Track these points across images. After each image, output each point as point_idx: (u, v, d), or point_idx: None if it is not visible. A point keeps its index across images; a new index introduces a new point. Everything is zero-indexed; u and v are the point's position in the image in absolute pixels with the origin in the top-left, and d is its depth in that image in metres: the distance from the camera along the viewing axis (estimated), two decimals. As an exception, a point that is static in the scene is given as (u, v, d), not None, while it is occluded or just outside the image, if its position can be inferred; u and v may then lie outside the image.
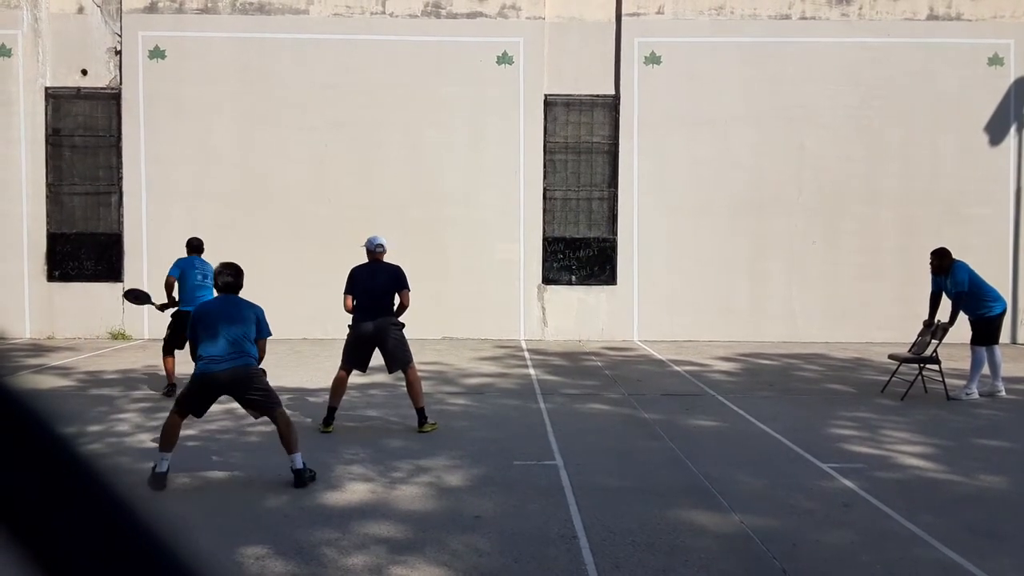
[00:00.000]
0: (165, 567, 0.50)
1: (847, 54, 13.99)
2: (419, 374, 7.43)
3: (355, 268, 7.37)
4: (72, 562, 0.49)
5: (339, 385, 7.26)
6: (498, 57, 13.94)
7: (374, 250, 7.38)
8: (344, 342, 7.37)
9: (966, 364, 9.58)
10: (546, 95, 14.07)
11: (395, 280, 7.24)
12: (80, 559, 0.49)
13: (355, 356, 7.26)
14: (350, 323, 7.35)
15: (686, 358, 11.92)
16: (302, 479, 5.50)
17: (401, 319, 7.39)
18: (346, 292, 7.30)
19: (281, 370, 10.61)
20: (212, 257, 13.43)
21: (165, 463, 5.47)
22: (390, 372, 7.46)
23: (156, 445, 5.89)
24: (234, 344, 5.58)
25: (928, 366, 9.02)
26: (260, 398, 5.67)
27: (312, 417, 7.65)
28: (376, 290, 7.21)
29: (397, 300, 7.24)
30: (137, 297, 9.11)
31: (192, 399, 5.65)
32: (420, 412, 7.22)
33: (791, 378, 10.35)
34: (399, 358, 7.19)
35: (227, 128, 13.90)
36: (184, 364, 7.58)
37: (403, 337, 7.26)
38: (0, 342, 8.05)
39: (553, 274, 14.22)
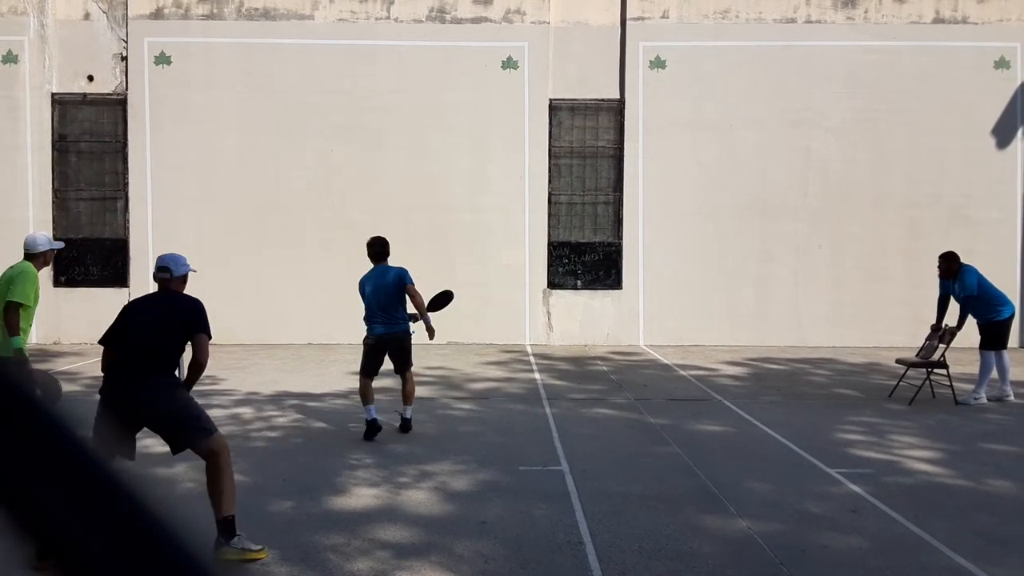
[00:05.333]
0: (187, 569, 0.50)
1: (853, 57, 13.95)
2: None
3: (129, 303, 4.87)
4: (93, 563, 0.49)
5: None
6: (503, 62, 13.95)
7: (159, 275, 4.78)
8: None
9: (974, 368, 9.54)
10: (551, 99, 14.07)
11: (188, 320, 4.61)
12: (101, 560, 0.49)
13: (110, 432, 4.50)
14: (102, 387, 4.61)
15: (692, 362, 11.89)
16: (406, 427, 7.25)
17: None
18: (105, 340, 4.61)
19: (284, 375, 10.62)
20: (215, 261, 13.54)
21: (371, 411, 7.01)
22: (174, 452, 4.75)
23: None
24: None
25: (936, 370, 8.98)
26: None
27: (311, 420, 7.63)
28: (151, 335, 4.55)
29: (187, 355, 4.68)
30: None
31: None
32: (224, 522, 4.40)
33: (798, 382, 10.31)
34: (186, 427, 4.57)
35: (232, 133, 13.92)
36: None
37: (187, 401, 4.61)
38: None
39: (558, 279, 14.20)
